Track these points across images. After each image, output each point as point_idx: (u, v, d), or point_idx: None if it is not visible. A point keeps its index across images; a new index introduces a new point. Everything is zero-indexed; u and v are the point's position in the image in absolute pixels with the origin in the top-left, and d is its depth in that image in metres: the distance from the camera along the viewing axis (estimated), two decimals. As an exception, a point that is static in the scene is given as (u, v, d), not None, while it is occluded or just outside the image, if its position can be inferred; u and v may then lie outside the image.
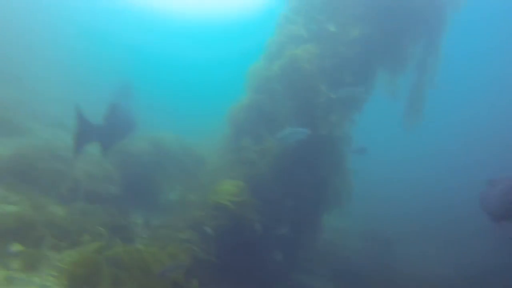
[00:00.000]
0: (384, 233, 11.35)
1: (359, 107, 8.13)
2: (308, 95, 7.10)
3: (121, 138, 5.91)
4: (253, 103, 7.29)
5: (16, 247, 5.03)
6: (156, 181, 8.63)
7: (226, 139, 7.36)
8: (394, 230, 11.98)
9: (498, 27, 28.49)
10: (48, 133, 10.74)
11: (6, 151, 7.41)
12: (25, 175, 6.74)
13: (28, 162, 6.86)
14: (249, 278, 5.97)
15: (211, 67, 39.87)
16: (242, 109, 7.31)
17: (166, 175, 9.06)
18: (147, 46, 38.62)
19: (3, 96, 12.65)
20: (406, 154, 28.35)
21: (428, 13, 8.84)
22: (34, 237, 5.30)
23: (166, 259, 5.32)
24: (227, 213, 5.80)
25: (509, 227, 4.16)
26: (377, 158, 20.08)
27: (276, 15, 8.78)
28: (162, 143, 9.01)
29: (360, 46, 8.02)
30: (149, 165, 8.54)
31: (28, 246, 5.12)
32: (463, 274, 9.78)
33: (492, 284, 9.47)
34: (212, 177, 7.04)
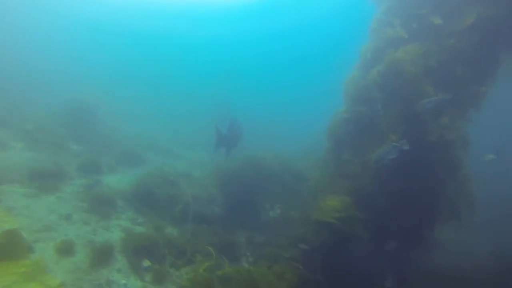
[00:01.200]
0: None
1: (477, 104, 6.98)
2: (413, 99, 6.38)
3: (236, 145, 7.24)
4: (352, 115, 6.90)
5: (146, 263, 5.88)
6: (257, 199, 8.83)
7: (326, 153, 7.11)
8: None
9: None
10: (159, 160, 12.25)
11: (133, 180, 8.67)
12: (146, 200, 7.72)
13: (148, 188, 7.84)
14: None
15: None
16: (341, 122, 6.99)
17: (266, 193, 9.24)
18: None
19: (129, 131, 15.13)
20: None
21: None
22: (158, 254, 6.00)
23: (273, 279, 5.31)
24: (331, 229, 5.51)
25: None
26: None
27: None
28: (262, 163, 9.25)
29: (476, 33, 6.95)
30: (250, 184, 8.81)
31: (154, 262, 5.85)
32: None
33: None
34: (313, 192, 6.87)
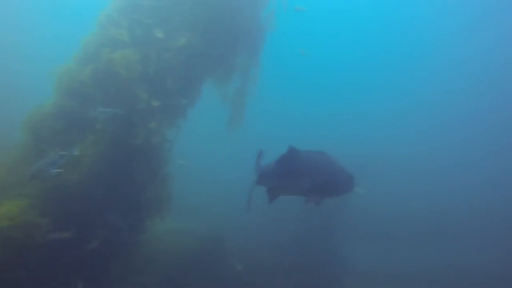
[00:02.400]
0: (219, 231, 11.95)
1: (183, 113, 8.35)
2: (126, 102, 6.82)
3: None
4: (61, 110, 6.52)
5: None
6: None
7: (20, 148, 6.31)
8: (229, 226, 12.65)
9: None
10: None
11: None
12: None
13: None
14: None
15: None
16: (46, 115, 6.43)
17: None
18: None
19: None
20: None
21: (251, 31, 9.85)
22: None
23: None
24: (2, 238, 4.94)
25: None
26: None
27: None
28: None
29: (187, 54, 8.23)
30: None
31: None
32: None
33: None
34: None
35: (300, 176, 4.57)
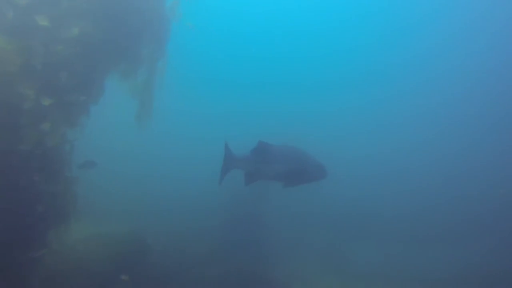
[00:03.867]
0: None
1: (85, 110, 7.65)
2: (7, 101, 5.94)
3: None
4: None
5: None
6: None
7: None
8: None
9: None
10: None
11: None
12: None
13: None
14: None
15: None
16: None
17: None
18: None
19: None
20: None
21: (154, 21, 9.39)
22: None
23: None
24: None
25: None
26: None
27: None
28: None
29: (82, 46, 7.48)
30: None
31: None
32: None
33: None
34: None
35: (273, 163, 5.62)
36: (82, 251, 9.79)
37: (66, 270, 8.33)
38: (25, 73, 6.37)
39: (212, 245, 11.30)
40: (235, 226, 11.99)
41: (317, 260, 11.86)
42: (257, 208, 12.60)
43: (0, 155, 5.63)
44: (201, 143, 25.42)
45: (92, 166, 8.40)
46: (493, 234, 13.55)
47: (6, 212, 5.67)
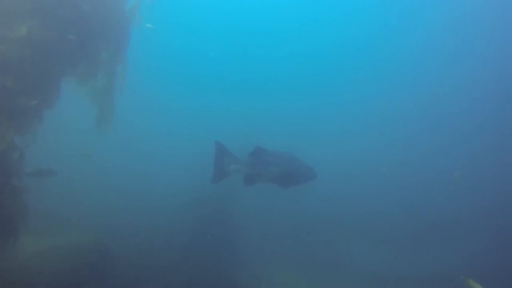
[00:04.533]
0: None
1: (37, 115, 7.26)
2: None
3: None
4: None
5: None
6: None
7: None
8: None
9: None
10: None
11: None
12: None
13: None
14: None
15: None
16: None
17: None
18: None
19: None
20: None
21: (112, 23, 9.09)
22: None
23: None
24: None
25: None
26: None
27: None
28: None
29: (31, 47, 7.10)
30: None
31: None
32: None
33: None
34: None
35: (268, 165, 6.17)
36: (39, 264, 9.27)
37: (19, 284, 7.84)
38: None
39: (179, 250, 10.98)
40: (204, 227, 11.73)
41: (286, 260, 11.79)
42: (226, 208, 12.40)
43: None
44: (168, 143, 25.30)
45: (49, 174, 7.93)
46: (487, 232, 13.66)
47: None
